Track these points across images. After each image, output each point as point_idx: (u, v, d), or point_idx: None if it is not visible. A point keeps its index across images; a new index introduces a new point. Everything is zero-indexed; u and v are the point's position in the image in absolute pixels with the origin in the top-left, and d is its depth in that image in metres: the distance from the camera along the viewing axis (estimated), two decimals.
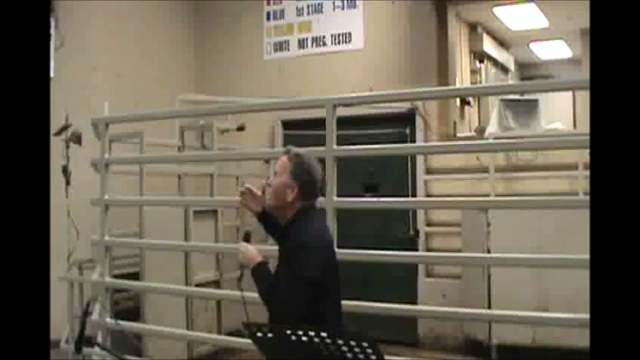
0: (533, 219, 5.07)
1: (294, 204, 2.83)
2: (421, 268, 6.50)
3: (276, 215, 2.94)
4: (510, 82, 9.35)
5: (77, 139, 5.33)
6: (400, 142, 6.47)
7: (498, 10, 7.87)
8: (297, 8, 7.40)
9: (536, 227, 5.12)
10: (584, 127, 5.29)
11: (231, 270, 5.76)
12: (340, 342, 2.02)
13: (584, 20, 5.30)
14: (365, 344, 2.00)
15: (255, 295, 2.74)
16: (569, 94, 8.57)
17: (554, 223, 4.96)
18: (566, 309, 3.85)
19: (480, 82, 8.19)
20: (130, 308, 5.50)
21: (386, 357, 2.06)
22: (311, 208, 2.88)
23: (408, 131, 6.79)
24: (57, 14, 6.48)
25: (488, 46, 8.65)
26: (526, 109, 6.29)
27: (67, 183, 5.34)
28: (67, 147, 5.31)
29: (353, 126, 5.85)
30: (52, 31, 6.41)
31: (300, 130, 6.74)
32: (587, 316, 2.10)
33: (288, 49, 7.45)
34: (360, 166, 6.38)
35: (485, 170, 6.23)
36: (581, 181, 5.62)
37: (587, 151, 2.25)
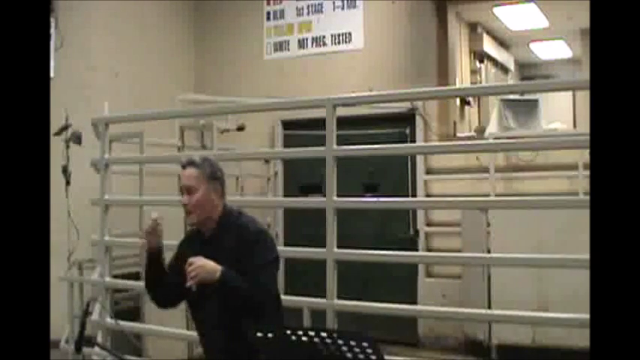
0: (533, 219, 5.07)
1: (219, 205, 2.88)
2: (421, 268, 6.50)
3: (201, 227, 2.90)
4: (510, 82, 9.35)
5: (77, 139, 5.33)
6: (400, 142, 6.47)
7: (498, 10, 7.87)
8: (297, 8, 7.40)
9: (536, 227, 5.12)
10: (584, 127, 5.29)
11: None
12: (340, 342, 2.02)
13: (584, 20, 5.30)
14: (365, 344, 2.00)
15: None
16: (569, 94, 8.56)
17: (554, 223, 4.96)
18: (566, 309, 3.85)
19: (480, 82, 8.18)
20: (130, 308, 5.50)
21: (386, 357, 2.05)
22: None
23: (408, 131, 6.79)
24: (57, 14, 6.48)
25: (488, 46, 8.65)
26: (526, 109, 6.29)
27: (67, 183, 5.33)
28: (67, 147, 5.31)
29: (353, 126, 5.85)
30: (52, 31, 6.40)
31: (300, 130, 6.74)
32: (587, 316, 2.10)
33: (288, 49, 7.45)
34: (360, 166, 6.38)
35: (486, 170, 6.23)
36: (581, 181, 5.62)
37: (587, 151, 2.24)
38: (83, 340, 2.78)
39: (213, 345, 2.90)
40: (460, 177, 6.48)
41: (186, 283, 2.66)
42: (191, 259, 2.68)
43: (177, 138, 6.34)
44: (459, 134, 6.85)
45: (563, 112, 8.57)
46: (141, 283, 5.18)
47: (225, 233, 2.84)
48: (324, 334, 2.04)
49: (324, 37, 7.26)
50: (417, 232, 6.67)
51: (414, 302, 6.28)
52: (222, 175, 2.93)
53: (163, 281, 2.95)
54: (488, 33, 8.63)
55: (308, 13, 7.35)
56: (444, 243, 6.53)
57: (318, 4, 7.29)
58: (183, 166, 2.91)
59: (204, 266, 2.66)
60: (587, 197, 2.24)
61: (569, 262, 3.62)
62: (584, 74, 6.91)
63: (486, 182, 6.21)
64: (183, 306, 5.67)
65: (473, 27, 8.30)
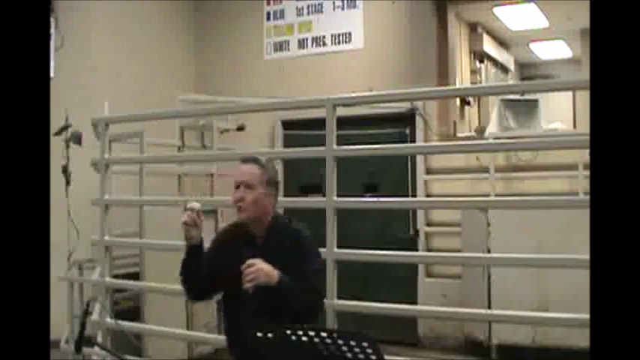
0: (533, 219, 5.07)
1: (270, 211, 2.85)
2: (421, 268, 6.50)
3: (250, 227, 2.84)
4: (510, 82, 9.35)
5: (77, 139, 5.33)
6: (400, 142, 6.47)
7: (498, 10, 7.87)
8: (297, 8, 7.40)
9: (536, 227, 5.12)
10: (584, 127, 5.29)
11: None
12: (340, 342, 2.02)
13: (584, 20, 5.30)
14: (365, 344, 2.00)
15: None
16: (569, 94, 8.56)
17: (554, 223, 4.96)
18: (566, 309, 3.85)
19: (480, 82, 8.19)
20: (130, 308, 5.50)
21: (386, 357, 2.05)
22: None
23: (408, 131, 6.79)
24: (57, 14, 6.48)
25: (488, 46, 8.65)
26: (526, 109, 6.29)
27: (67, 183, 5.34)
28: (67, 147, 5.31)
29: (353, 126, 5.85)
30: (52, 31, 6.41)
31: (300, 130, 6.74)
32: (587, 316, 2.10)
33: (288, 49, 7.45)
34: (360, 166, 6.38)
35: (486, 170, 6.23)
36: (581, 181, 5.62)
37: (587, 151, 2.25)
38: (83, 340, 2.78)
39: (244, 344, 2.83)
40: (460, 177, 6.47)
41: (244, 285, 2.58)
42: (250, 261, 2.61)
43: (177, 138, 6.35)
44: (459, 134, 6.84)
45: (563, 112, 8.57)
46: (141, 283, 5.22)
47: (275, 238, 2.80)
48: (324, 334, 2.04)
49: (324, 37, 7.26)
50: (417, 232, 6.66)
51: (414, 302, 6.28)
52: (278, 178, 2.91)
53: (200, 274, 2.87)
54: (488, 33, 8.63)
55: (308, 13, 7.35)
56: (444, 243, 6.52)
57: (318, 4, 7.29)
58: (243, 161, 2.85)
59: (263, 270, 2.59)
60: (587, 197, 2.24)
61: (569, 262, 3.62)
62: (584, 74, 6.90)
63: (486, 182, 6.20)
64: (182, 306, 5.70)
65: (473, 27, 8.30)
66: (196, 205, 2.80)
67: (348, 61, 7.10)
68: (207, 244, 3.00)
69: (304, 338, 2.07)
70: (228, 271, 2.74)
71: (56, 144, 5.00)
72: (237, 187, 2.80)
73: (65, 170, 5.32)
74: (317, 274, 2.80)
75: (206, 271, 2.86)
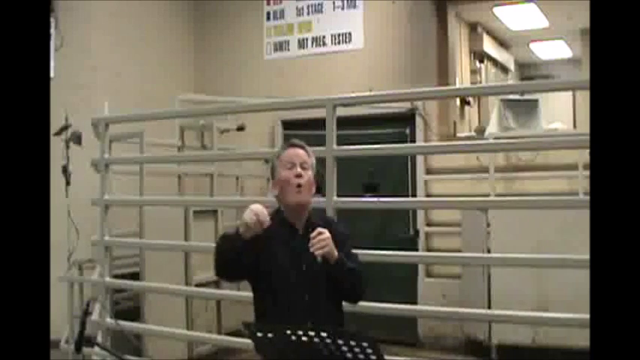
0: (533, 219, 5.07)
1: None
2: (421, 268, 6.50)
3: (294, 214, 2.78)
4: (510, 82, 9.35)
5: (77, 139, 5.33)
6: (400, 142, 6.46)
7: (498, 10, 7.87)
8: (297, 8, 7.40)
9: (536, 227, 5.12)
10: (584, 127, 5.29)
11: None
12: (340, 342, 2.02)
13: (584, 20, 5.31)
14: (365, 344, 2.00)
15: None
16: (569, 94, 8.57)
17: (554, 223, 4.96)
18: (566, 309, 3.85)
19: (480, 82, 8.19)
20: (130, 308, 5.51)
21: (386, 357, 2.06)
22: None
23: (408, 131, 6.79)
24: (57, 14, 6.48)
25: (488, 46, 8.66)
26: (526, 109, 6.29)
27: (67, 183, 5.34)
28: (67, 147, 5.31)
29: (353, 126, 5.85)
30: (52, 31, 6.41)
31: (300, 130, 6.72)
32: (587, 316, 2.10)
33: (288, 49, 7.45)
34: (360, 166, 6.37)
35: (486, 170, 6.23)
36: (581, 181, 5.62)
37: (587, 151, 2.25)
38: (83, 340, 2.78)
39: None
40: (460, 177, 6.47)
41: (315, 252, 2.54)
42: (320, 229, 2.58)
43: (177, 138, 6.35)
44: (459, 134, 6.84)
45: (563, 112, 8.58)
46: (141, 283, 5.22)
47: (314, 227, 2.70)
48: (324, 334, 2.04)
49: (324, 37, 7.26)
50: (417, 232, 6.67)
51: (414, 302, 6.28)
52: None
53: (238, 255, 2.63)
54: (488, 33, 8.63)
55: (308, 13, 7.34)
56: (444, 243, 6.52)
57: (318, 4, 7.29)
58: (293, 145, 2.82)
59: (330, 240, 2.58)
60: (587, 197, 2.24)
61: (569, 262, 3.62)
62: (584, 74, 6.91)
63: (486, 182, 6.20)
64: (183, 306, 5.70)
65: (473, 27, 8.31)
66: (260, 211, 2.58)
67: (348, 61, 7.10)
68: (205, 243, 2.99)
69: (304, 338, 2.07)
70: (271, 258, 2.68)
71: (56, 144, 5.00)
72: (291, 167, 2.74)
73: (65, 170, 5.32)
74: (362, 264, 2.83)
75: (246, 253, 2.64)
